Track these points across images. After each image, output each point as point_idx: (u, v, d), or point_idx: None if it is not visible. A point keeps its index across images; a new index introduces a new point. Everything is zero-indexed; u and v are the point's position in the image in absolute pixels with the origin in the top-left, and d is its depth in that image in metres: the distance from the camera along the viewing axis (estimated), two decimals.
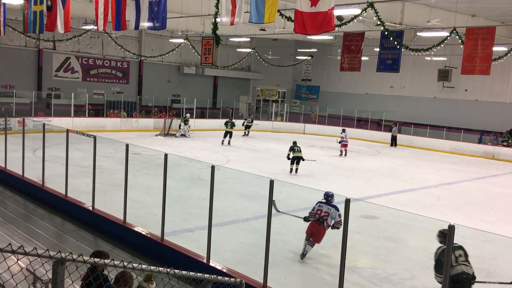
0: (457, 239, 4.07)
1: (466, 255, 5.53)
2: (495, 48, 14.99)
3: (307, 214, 7.92)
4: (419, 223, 10.45)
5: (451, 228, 3.98)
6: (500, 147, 23.55)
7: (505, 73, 23.31)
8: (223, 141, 22.09)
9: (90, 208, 8.91)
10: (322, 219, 7.66)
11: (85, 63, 27.53)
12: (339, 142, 20.79)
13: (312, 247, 7.81)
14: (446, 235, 4.07)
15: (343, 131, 21.42)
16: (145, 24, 11.95)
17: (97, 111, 26.07)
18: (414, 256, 8.74)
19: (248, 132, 26.51)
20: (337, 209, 7.58)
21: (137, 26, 12.09)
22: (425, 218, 10.26)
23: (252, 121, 27.11)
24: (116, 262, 2.86)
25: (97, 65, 28.05)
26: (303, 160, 15.66)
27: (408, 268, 8.02)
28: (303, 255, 7.83)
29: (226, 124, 22.36)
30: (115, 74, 28.82)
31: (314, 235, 7.74)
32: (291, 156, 15.70)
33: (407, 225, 10.57)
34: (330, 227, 7.68)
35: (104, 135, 18.67)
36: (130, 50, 26.87)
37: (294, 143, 16.02)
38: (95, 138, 8.66)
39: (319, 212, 7.74)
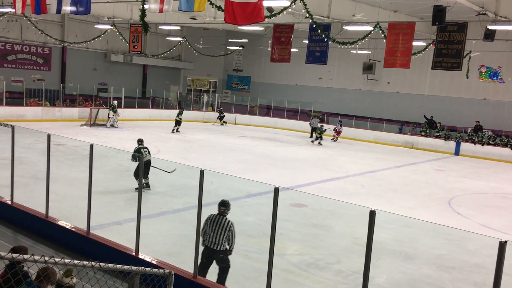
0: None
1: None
2: (414, 43, 15.92)
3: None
4: (345, 210, 10.94)
5: (372, 213, 4.20)
6: (418, 136, 25.11)
7: (424, 67, 24.73)
8: (173, 129, 23.37)
9: (9, 202, 8.40)
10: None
11: (2, 48, 25.60)
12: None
13: None
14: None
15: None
16: (67, 8, 11.35)
17: (15, 99, 24.42)
18: (339, 242, 9.12)
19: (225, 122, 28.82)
20: None
21: (58, 10, 11.46)
22: (350, 205, 10.79)
23: (222, 112, 28.97)
24: (36, 257, 2.74)
25: (16, 51, 26.19)
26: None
27: (334, 253, 8.37)
28: None
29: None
30: (35, 61, 27.11)
31: None
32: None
33: (334, 212, 11.00)
34: None
35: (24, 125, 17.58)
36: (51, 35, 25.35)
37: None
38: (13, 128, 8.15)
39: None
